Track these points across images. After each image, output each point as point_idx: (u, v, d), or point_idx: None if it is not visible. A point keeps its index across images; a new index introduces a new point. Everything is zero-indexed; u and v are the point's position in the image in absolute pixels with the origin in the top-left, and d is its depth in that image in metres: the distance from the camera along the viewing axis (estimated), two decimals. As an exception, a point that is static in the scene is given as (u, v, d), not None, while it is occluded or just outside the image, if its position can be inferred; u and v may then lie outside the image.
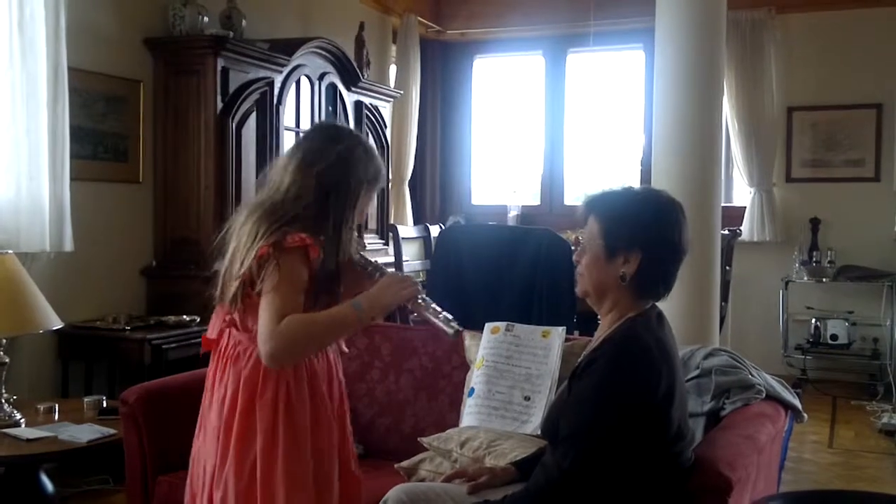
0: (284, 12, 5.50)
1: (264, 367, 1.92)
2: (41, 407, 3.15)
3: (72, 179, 3.76)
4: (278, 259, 1.85)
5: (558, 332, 2.77)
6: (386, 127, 6.07)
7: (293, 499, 1.90)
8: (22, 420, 2.98)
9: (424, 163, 7.50)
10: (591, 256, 1.96)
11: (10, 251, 3.10)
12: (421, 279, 5.84)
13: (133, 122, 4.28)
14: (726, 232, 5.00)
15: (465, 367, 2.91)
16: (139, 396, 2.63)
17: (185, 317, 4.03)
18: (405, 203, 6.96)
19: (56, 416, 3.11)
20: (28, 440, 2.80)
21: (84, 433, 2.86)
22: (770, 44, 6.41)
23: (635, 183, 5.80)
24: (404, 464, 2.52)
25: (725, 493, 1.90)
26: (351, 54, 5.63)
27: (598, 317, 2.06)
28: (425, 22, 7.17)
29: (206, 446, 1.99)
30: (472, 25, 7.37)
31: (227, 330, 2.00)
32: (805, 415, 2.75)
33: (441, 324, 2.00)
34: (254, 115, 4.57)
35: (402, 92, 6.55)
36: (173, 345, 3.86)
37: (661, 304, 2.02)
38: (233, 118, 4.38)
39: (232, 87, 4.40)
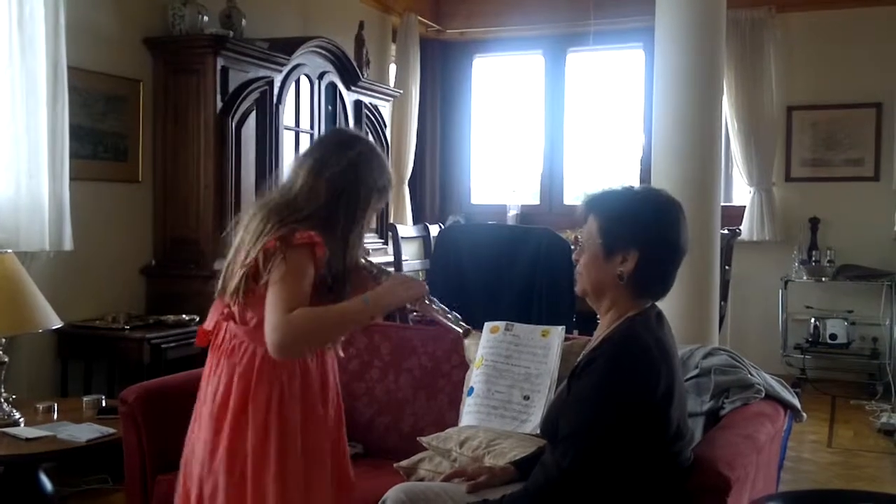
0: (284, 11, 5.50)
1: (259, 363, 1.93)
2: (40, 406, 3.15)
3: (71, 178, 3.75)
4: (285, 253, 1.87)
5: (558, 332, 2.77)
6: (385, 126, 6.07)
7: (284, 497, 1.90)
8: (21, 419, 2.98)
9: (424, 162, 7.50)
10: (590, 255, 1.97)
11: (9, 250, 3.10)
12: (421, 279, 5.84)
13: (133, 121, 4.28)
14: (726, 231, 5.00)
15: (464, 366, 2.91)
16: (138, 396, 2.63)
17: (184, 316, 4.03)
18: (405, 202, 6.96)
19: (55, 416, 3.11)
20: (27, 439, 2.80)
21: (83, 432, 2.86)
22: (770, 43, 6.41)
23: (635, 182, 5.80)
24: (403, 463, 2.52)
25: (724, 492, 1.90)
26: (351, 53, 5.62)
27: (598, 316, 2.06)
28: (425, 21, 7.17)
29: (199, 439, 1.99)
30: (471, 25, 7.37)
31: (225, 323, 2.00)
32: (804, 414, 2.76)
33: (450, 323, 2.04)
34: (253, 114, 4.57)
35: (401, 91, 6.56)
36: (172, 344, 3.86)
37: (660, 304, 2.02)
38: (232, 117, 4.38)
39: (231, 87, 4.40)
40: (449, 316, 2.06)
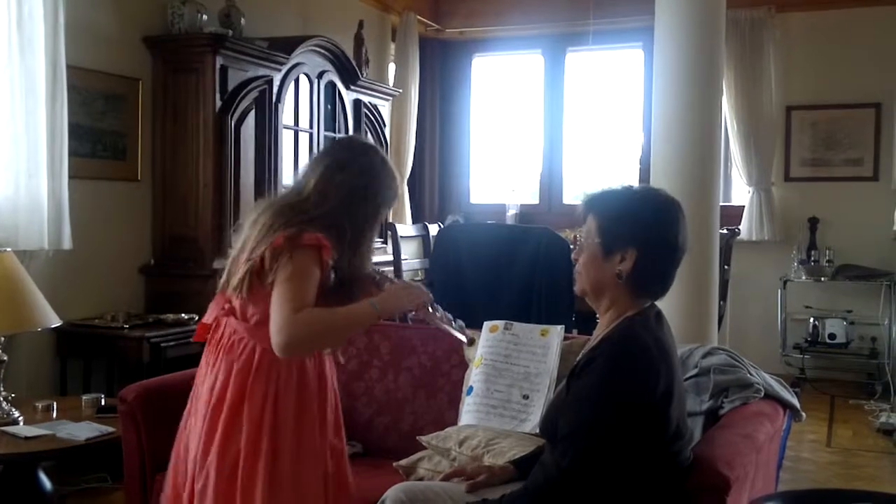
0: (283, 10, 5.50)
1: (257, 360, 1.94)
2: (39, 405, 3.15)
3: (70, 177, 3.75)
4: (292, 253, 1.87)
5: (557, 331, 2.77)
6: (385, 125, 6.07)
7: (273, 494, 1.90)
8: (20, 418, 2.98)
9: (423, 161, 7.50)
10: (589, 255, 1.97)
11: (8, 249, 3.09)
12: (420, 278, 5.84)
13: (132, 120, 4.27)
14: (725, 231, 5.00)
15: (463, 365, 2.91)
16: (137, 394, 2.63)
17: (183, 315, 4.03)
18: (404, 201, 6.96)
19: (54, 414, 3.11)
20: (26, 438, 2.80)
21: (82, 431, 2.86)
22: (769, 43, 6.41)
23: (634, 182, 5.80)
24: (403, 462, 2.52)
25: (724, 491, 1.90)
26: (350, 53, 5.62)
27: (597, 316, 2.06)
28: (424, 20, 7.16)
29: (194, 435, 1.99)
30: (471, 24, 7.37)
31: (225, 318, 2.00)
32: (803, 414, 2.76)
33: (455, 331, 2.05)
34: (252, 113, 4.57)
35: (400, 90, 6.55)
36: (172, 343, 3.86)
37: (659, 303, 2.02)
38: (232, 116, 4.38)
39: (231, 86, 4.40)
40: (453, 324, 2.07)
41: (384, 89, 6.10)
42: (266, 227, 1.93)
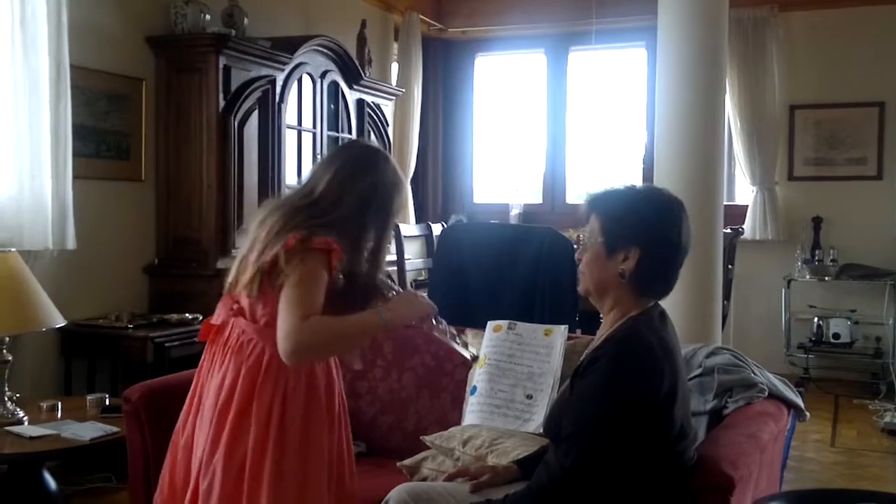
0: (286, 10, 5.51)
1: (266, 361, 1.94)
2: (44, 405, 3.16)
3: (74, 177, 3.76)
4: (303, 255, 1.87)
5: (560, 331, 2.77)
6: (388, 125, 6.07)
7: (277, 494, 1.90)
8: (25, 418, 2.99)
9: (426, 161, 7.50)
10: (592, 254, 1.97)
11: (12, 249, 3.10)
12: (423, 277, 5.84)
13: (135, 120, 4.28)
14: (728, 230, 5.00)
15: (467, 365, 2.91)
16: (142, 394, 2.63)
17: (187, 315, 4.04)
18: (407, 201, 6.96)
19: (59, 414, 3.12)
20: (31, 438, 2.81)
21: (87, 431, 2.86)
22: (772, 42, 6.40)
23: (637, 181, 5.80)
24: (406, 462, 2.52)
25: (728, 491, 1.90)
26: (353, 52, 5.62)
27: (601, 315, 2.06)
28: (427, 20, 7.17)
29: (200, 434, 1.99)
30: (473, 23, 7.37)
31: (233, 319, 2.00)
32: (807, 413, 2.76)
33: (458, 348, 2.07)
34: (256, 113, 4.57)
35: (403, 90, 6.55)
36: (176, 343, 3.87)
37: (663, 303, 2.02)
38: (235, 116, 4.38)
39: (234, 86, 4.40)
40: (457, 340, 2.09)
41: (387, 89, 6.11)
42: (277, 228, 1.92)
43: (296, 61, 4.89)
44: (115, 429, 2.87)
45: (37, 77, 3.59)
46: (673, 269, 1.97)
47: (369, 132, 5.76)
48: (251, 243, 1.99)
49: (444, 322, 2.10)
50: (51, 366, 3.85)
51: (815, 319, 6.14)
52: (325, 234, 1.90)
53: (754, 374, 2.62)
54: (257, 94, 4.57)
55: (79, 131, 3.87)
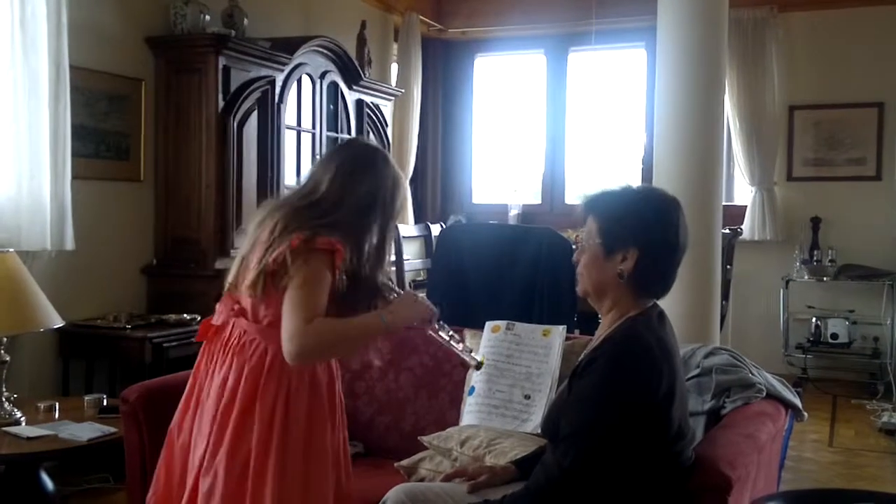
0: (286, 11, 5.51)
1: (269, 362, 1.94)
2: (42, 405, 3.16)
3: (73, 178, 3.76)
4: (307, 256, 1.87)
5: (559, 331, 2.77)
6: (387, 125, 6.07)
7: (282, 494, 1.90)
8: (22, 418, 2.98)
9: (425, 161, 7.50)
10: (590, 255, 1.97)
11: (11, 249, 3.10)
12: (422, 278, 5.84)
13: (134, 120, 4.28)
14: (727, 231, 5.00)
15: (465, 366, 2.91)
16: (140, 395, 2.63)
17: (185, 315, 4.03)
18: (407, 200, 6.96)
19: (56, 415, 3.11)
20: (28, 438, 2.80)
21: (84, 431, 2.86)
22: (772, 42, 6.40)
23: (636, 182, 5.80)
24: (404, 462, 2.52)
25: (725, 491, 1.90)
26: (352, 53, 5.63)
27: (599, 316, 2.06)
28: (427, 20, 7.17)
29: (200, 434, 1.99)
30: (473, 24, 7.37)
31: (234, 319, 2.00)
32: (805, 414, 2.76)
33: (463, 354, 2.08)
34: (255, 113, 4.57)
35: (403, 90, 6.55)
36: (174, 343, 3.86)
37: (661, 303, 2.02)
38: (234, 117, 4.38)
39: (233, 86, 4.41)
40: (459, 345, 2.09)
41: (386, 89, 6.11)
42: (280, 229, 1.92)
43: (295, 62, 4.89)
44: (112, 429, 2.87)
45: (36, 77, 3.59)
46: (671, 269, 1.97)
47: (368, 132, 5.76)
48: (252, 244, 1.98)
49: (445, 326, 2.11)
50: (49, 366, 3.84)
51: (814, 320, 6.15)
52: (327, 234, 1.90)
53: (752, 374, 2.62)
54: (257, 94, 4.57)
55: (78, 131, 3.87)
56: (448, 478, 2.18)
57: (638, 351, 1.87)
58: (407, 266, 5.19)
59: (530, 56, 7.55)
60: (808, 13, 6.42)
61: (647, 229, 1.93)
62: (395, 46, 6.96)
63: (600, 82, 7.39)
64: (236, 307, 2.00)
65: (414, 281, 5.86)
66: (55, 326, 3.11)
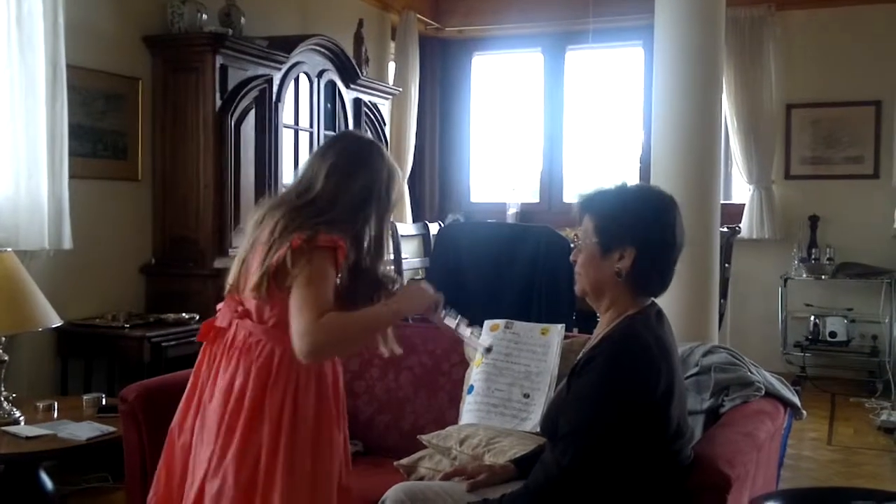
0: (283, 9, 5.50)
1: (277, 362, 1.93)
2: (40, 405, 3.15)
3: (71, 177, 3.75)
4: (310, 255, 1.87)
5: (557, 330, 2.77)
6: (385, 124, 6.07)
7: (290, 493, 1.90)
8: (21, 418, 2.98)
9: (423, 160, 7.50)
10: (587, 255, 1.97)
11: (8, 249, 3.09)
12: (420, 277, 5.84)
13: (132, 119, 4.27)
14: (725, 229, 5.00)
15: (464, 364, 2.91)
16: (138, 394, 2.63)
17: (184, 314, 4.03)
18: (404, 200, 6.96)
19: (55, 414, 3.11)
20: (27, 438, 2.80)
21: (83, 431, 2.86)
22: (769, 41, 6.40)
23: (634, 180, 5.80)
24: (403, 461, 2.52)
25: (724, 490, 1.90)
26: (350, 51, 5.62)
27: (598, 314, 2.06)
28: (424, 19, 7.16)
29: (203, 439, 1.98)
30: (470, 22, 7.37)
31: (237, 321, 2.00)
32: (804, 412, 2.76)
33: (471, 339, 2.08)
34: (252, 112, 4.57)
35: (400, 89, 6.55)
36: (172, 342, 3.86)
37: (659, 302, 2.02)
38: (232, 115, 4.38)
39: (231, 85, 4.40)
40: (467, 331, 2.09)
41: (384, 88, 6.10)
42: (280, 229, 1.92)
43: (293, 60, 4.88)
44: (111, 429, 2.87)
45: (33, 77, 3.59)
46: (668, 267, 1.97)
47: (366, 131, 5.75)
48: (251, 244, 1.98)
49: (452, 311, 2.10)
50: (47, 366, 3.84)
51: (812, 318, 6.15)
52: (327, 231, 1.91)
53: (751, 372, 2.63)
54: (254, 93, 4.57)
55: (75, 131, 3.86)
56: (447, 476, 2.18)
57: (636, 350, 1.87)
58: (405, 265, 5.19)
59: (528, 55, 7.55)
60: (806, 11, 6.43)
61: (643, 228, 1.93)
62: (392, 45, 6.96)
63: (598, 81, 7.39)
64: (240, 309, 2.00)
65: (412, 280, 5.86)
66: (54, 326, 3.11)
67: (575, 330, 3.60)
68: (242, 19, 4.65)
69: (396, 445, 2.83)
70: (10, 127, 3.55)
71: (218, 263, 4.22)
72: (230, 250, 4.21)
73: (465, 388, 2.80)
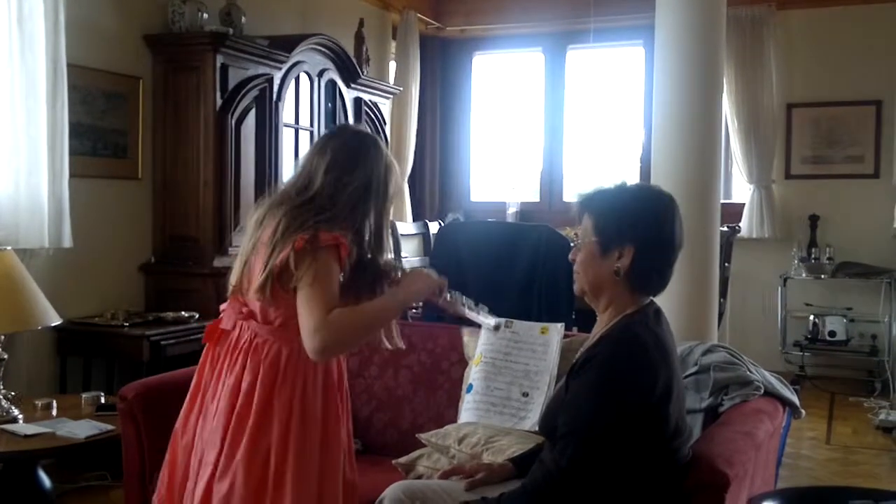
0: (284, 9, 5.50)
1: (284, 361, 1.94)
2: (39, 403, 3.16)
3: (71, 176, 3.76)
4: (314, 255, 1.88)
5: (557, 329, 2.77)
6: (385, 123, 6.07)
7: (300, 490, 1.91)
8: (20, 416, 2.98)
9: (424, 159, 7.50)
10: (586, 253, 1.97)
11: (8, 247, 3.10)
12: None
13: (132, 118, 4.28)
14: (725, 228, 5.00)
15: (463, 363, 2.91)
16: (137, 392, 2.63)
17: (183, 313, 4.03)
18: (404, 199, 6.95)
19: (54, 413, 3.11)
20: (26, 436, 2.80)
21: (82, 429, 2.86)
22: (770, 40, 6.40)
23: (633, 180, 5.80)
24: (402, 460, 2.52)
25: (723, 489, 1.90)
26: (350, 51, 5.62)
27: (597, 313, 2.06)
28: (425, 18, 7.16)
29: (206, 437, 1.98)
30: (471, 22, 7.37)
31: (242, 323, 2.00)
32: (803, 411, 2.76)
33: (480, 316, 2.08)
34: (253, 111, 4.57)
35: (401, 88, 6.55)
36: (172, 341, 3.86)
37: (659, 300, 2.02)
38: (232, 115, 4.38)
39: (231, 84, 4.40)
40: (475, 309, 2.10)
41: (385, 87, 6.10)
42: (282, 230, 1.92)
43: (293, 60, 4.88)
44: (110, 427, 2.87)
45: (34, 75, 3.59)
46: (667, 266, 1.97)
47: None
48: (253, 245, 1.98)
49: (456, 293, 2.11)
50: (46, 364, 3.84)
51: (811, 317, 6.15)
52: (329, 229, 1.91)
53: (750, 371, 2.63)
54: (254, 92, 4.57)
55: (75, 129, 3.87)
56: (446, 475, 2.18)
57: (635, 349, 1.87)
58: (405, 264, 5.18)
59: (528, 54, 7.54)
60: (807, 11, 6.42)
61: (643, 227, 1.93)
62: (393, 44, 6.96)
63: (598, 80, 7.39)
64: (244, 310, 2.00)
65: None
66: (53, 324, 3.11)
67: (574, 329, 3.60)
68: (243, 18, 4.65)
69: (395, 444, 2.83)
70: (11, 125, 3.56)
71: (218, 262, 4.22)
72: (230, 249, 4.22)
73: (464, 386, 2.81)
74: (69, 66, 3.73)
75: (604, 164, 7.43)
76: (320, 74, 5.24)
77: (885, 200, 6.12)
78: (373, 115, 5.86)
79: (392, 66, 6.96)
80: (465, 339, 2.92)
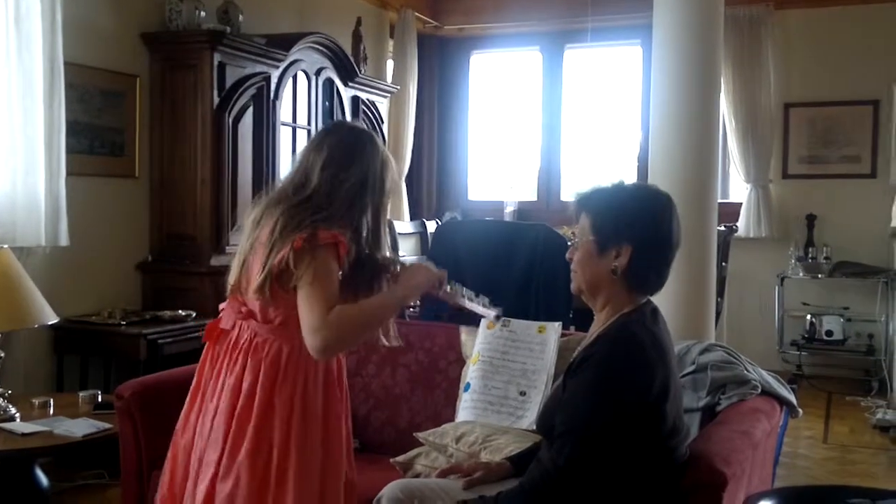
0: (281, 7, 5.50)
1: (285, 360, 1.94)
2: (36, 401, 3.15)
3: (68, 174, 3.75)
4: (313, 254, 1.88)
5: (554, 328, 2.77)
6: (383, 122, 6.07)
7: (302, 489, 1.91)
8: (17, 414, 2.98)
9: (421, 158, 7.50)
10: (583, 252, 1.97)
11: (5, 246, 3.09)
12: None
13: (129, 116, 4.27)
14: (722, 228, 5.00)
15: (460, 362, 2.91)
16: (134, 391, 2.63)
17: (180, 311, 4.03)
18: (401, 198, 6.96)
19: (51, 411, 3.11)
20: (23, 434, 2.80)
21: (79, 428, 2.86)
22: (768, 40, 6.40)
23: (631, 179, 5.80)
24: (400, 458, 2.52)
25: (720, 488, 1.90)
26: (348, 49, 5.62)
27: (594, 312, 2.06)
28: (422, 17, 7.16)
29: (206, 437, 1.98)
30: (469, 21, 7.36)
31: (242, 322, 1.99)
32: (800, 410, 2.76)
33: (480, 307, 2.07)
34: (250, 110, 4.57)
35: (399, 87, 6.55)
36: (169, 339, 3.86)
37: (656, 300, 2.02)
38: (229, 113, 4.38)
39: (229, 82, 4.40)
40: (476, 300, 2.09)
41: (382, 86, 6.10)
42: (280, 229, 1.91)
43: (291, 58, 4.88)
44: (107, 425, 2.87)
45: (31, 74, 3.58)
46: (664, 266, 1.98)
47: (364, 129, 5.74)
48: (251, 244, 1.98)
49: (457, 284, 2.11)
50: (43, 362, 3.84)
51: (808, 317, 6.16)
52: (327, 227, 1.91)
53: (747, 370, 2.63)
54: (252, 91, 4.56)
55: (73, 128, 3.86)
56: (443, 474, 2.18)
57: (632, 348, 1.87)
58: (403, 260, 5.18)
59: (526, 53, 7.54)
60: (804, 10, 6.43)
61: (640, 226, 1.93)
62: (390, 43, 6.95)
63: (596, 79, 7.39)
64: (244, 310, 2.00)
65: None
66: (50, 323, 3.10)
67: (572, 327, 3.60)
68: (240, 17, 4.64)
69: (393, 442, 2.83)
70: (8, 124, 3.55)
71: (215, 261, 4.22)
72: (227, 248, 4.21)
73: (462, 385, 2.81)
74: (66, 64, 3.72)
75: (601, 164, 7.43)
76: (318, 73, 5.23)
77: (881, 200, 6.12)
78: (370, 114, 5.85)
79: (390, 64, 6.95)
80: (463, 337, 2.93)
